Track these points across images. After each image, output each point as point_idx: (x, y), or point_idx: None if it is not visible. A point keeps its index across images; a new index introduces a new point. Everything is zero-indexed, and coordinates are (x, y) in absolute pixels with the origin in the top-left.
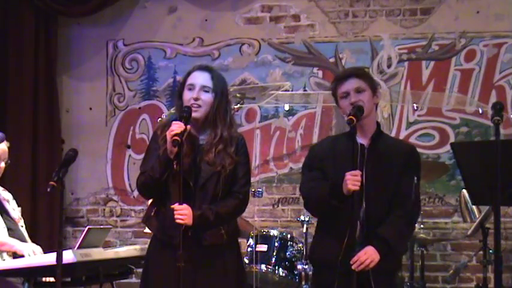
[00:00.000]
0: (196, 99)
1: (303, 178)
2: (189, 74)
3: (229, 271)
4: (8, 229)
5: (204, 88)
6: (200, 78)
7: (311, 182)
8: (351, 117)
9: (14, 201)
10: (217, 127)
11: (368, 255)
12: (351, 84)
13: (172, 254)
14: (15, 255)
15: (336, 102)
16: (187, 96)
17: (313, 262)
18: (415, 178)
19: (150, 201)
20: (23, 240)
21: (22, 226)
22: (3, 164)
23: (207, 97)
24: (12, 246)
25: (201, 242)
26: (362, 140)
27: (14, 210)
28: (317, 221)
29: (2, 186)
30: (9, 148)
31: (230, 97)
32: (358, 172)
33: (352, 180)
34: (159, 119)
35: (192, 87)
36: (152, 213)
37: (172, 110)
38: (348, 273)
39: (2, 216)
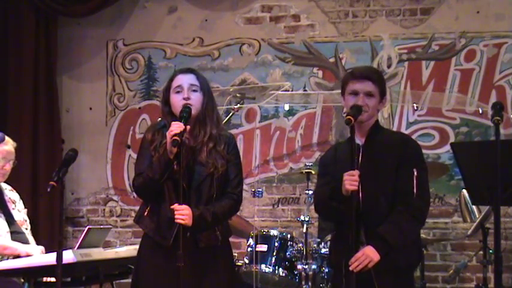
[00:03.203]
0: (187, 98)
1: (315, 185)
2: (172, 78)
3: (221, 272)
4: (12, 232)
5: (192, 87)
6: (186, 79)
7: (320, 187)
8: (349, 117)
9: (21, 201)
10: (206, 126)
11: (366, 256)
12: (364, 86)
13: (165, 255)
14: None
15: (342, 93)
16: (177, 99)
17: (330, 265)
18: (415, 170)
19: None
20: (26, 243)
21: (27, 229)
22: (10, 165)
23: (197, 96)
24: (15, 249)
25: (197, 244)
26: (360, 139)
27: (20, 211)
28: (334, 225)
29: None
30: (15, 149)
31: (223, 96)
32: (355, 172)
33: (350, 181)
34: (159, 118)
35: (180, 89)
36: (145, 213)
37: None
38: (350, 273)
39: (6, 219)
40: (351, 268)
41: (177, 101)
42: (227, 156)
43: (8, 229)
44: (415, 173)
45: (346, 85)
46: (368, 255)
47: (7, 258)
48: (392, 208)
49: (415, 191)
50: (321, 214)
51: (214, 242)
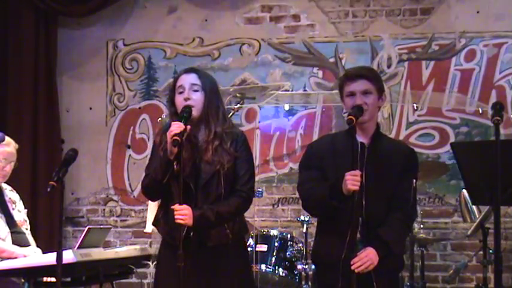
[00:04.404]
0: (187, 99)
1: (301, 177)
2: (176, 79)
3: (234, 272)
4: (12, 233)
5: (193, 87)
6: (188, 79)
7: (309, 182)
8: (350, 117)
9: (21, 202)
10: (210, 124)
11: (368, 258)
12: (360, 85)
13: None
14: None
15: (341, 97)
16: (179, 99)
17: (316, 262)
18: (414, 181)
19: (149, 202)
20: (26, 244)
21: (27, 229)
22: (11, 166)
23: (198, 96)
24: (12, 252)
25: (205, 243)
26: (362, 139)
27: (20, 212)
28: (318, 221)
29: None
30: (17, 150)
31: (223, 95)
32: (358, 172)
33: (352, 180)
34: (159, 118)
35: (182, 90)
36: (160, 216)
37: (163, 116)
38: (350, 273)
39: (6, 220)
40: (352, 267)
41: (179, 102)
42: (235, 153)
43: (8, 231)
44: (414, 184)
45: (343, 88)
46: (371, 257)
47: (6, 259)
48: (388, 210)
49: (411, 200)
50: (312, 211)
51: (223, 241)
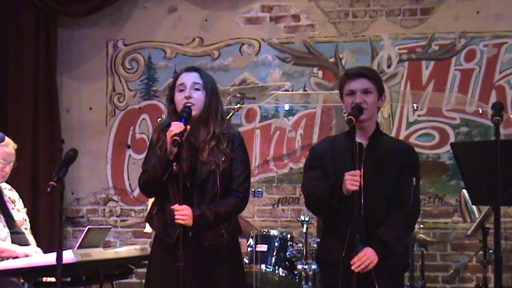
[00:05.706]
0: (188, 97)
1: (304, 178)
2: (177, 77)
3: (228, 271)
4: (12, 233)
5: (195, 86)
6: (190, 77)
7: (312, 181)
8: (350, 117)
9: (21, 200)
10: (209, 124)
11: (367, 257)
12: (360, 84)
13: (173, 253)
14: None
15: (341, 96)
16: (180, 97)
17: (319, 262)
18: (414, 179)
19: (150, 200)
20: (26, 244)
21: (26, 228)
22: (10, 167)
23: (199, 95)
24: (13, 251)
25: (201, 242)
26: (361, 139)
27: (19, 211)
28: (322, 222)
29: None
30: (16, 150)
31: (223, 96)
32: (357, 172)
33: (351, 180)
34: (159, 119)
35: (183, 88)
36: (154, 212)
37: (163, 116)
38: (350, 273)
39: (5, 220)
40: (352, 267)
41: (179, 100)
42: (231, 154)
43: (7, 232)
44: (414, 183)
45: (343, 87)
46: (370, 256)
47: (7, 259)
48: (388, 209)
49: (411, 199)
50: (315, 210)
51: (219, 240)
